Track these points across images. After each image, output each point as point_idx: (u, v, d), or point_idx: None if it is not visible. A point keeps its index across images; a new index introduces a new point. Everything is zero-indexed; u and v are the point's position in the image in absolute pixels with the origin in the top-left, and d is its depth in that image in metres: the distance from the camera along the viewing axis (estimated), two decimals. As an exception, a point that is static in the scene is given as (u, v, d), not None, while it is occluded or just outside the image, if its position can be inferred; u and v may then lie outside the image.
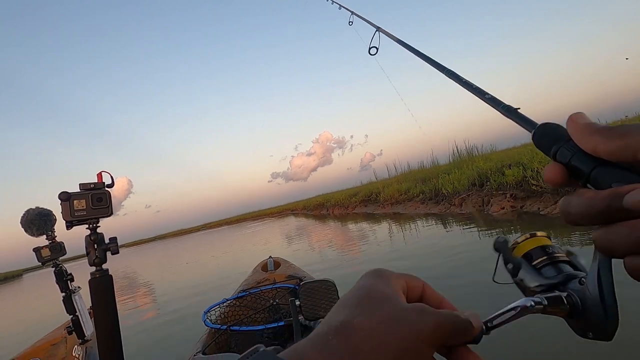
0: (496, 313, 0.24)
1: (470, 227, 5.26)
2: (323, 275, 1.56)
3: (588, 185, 0.22)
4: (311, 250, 6.64)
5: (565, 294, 0.25)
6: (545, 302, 0.24)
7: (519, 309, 0.24)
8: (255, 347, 0.21)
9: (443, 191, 7.95)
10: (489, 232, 4.70)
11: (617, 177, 0.20)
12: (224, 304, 2.09)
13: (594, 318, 0.23)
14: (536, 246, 0.28)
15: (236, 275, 4.59)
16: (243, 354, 0.20)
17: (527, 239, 0.29)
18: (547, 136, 0.25)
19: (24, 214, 1.24)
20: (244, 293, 2.20)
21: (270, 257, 3.16)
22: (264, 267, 3.00)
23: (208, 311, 1.92)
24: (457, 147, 10.69)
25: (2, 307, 11.27)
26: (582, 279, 0.24)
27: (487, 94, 0.39)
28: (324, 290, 1.38)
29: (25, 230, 1.24)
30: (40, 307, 8.46)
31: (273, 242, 10.33)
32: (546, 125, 0.26)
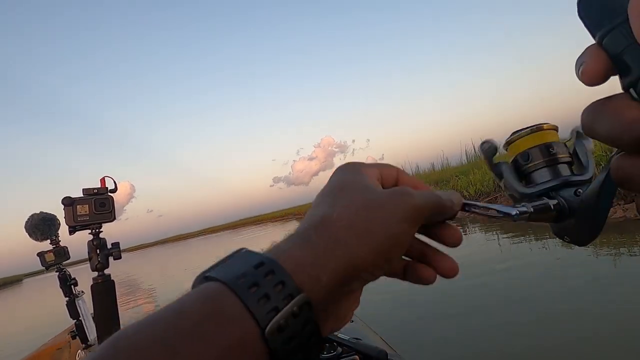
0: (479, 203, 0.24)
1: (508, 235, 4.55)
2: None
3: (632, 91, 0.15)
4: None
5: (555, 201, 0.23)
6: (531, 210, 0.23)
7: (502, 214, 0.23)
8: (238, 248, 0.21)
9: (465, 194, 7.17)
10: (528, 238, 4.14)
11: None
12: None
13: (577, 225, 0.22)
14: (538, 144, 0.25)
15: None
16: (226, 256, 0.20)
17: (528, 133, 0.25)
18: (603, 5, 0.16)
19: (29, 219, 1.25)
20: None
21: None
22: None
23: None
24: (474, 146, 9.78)
25: (4, 312, 11.32)
26: (579, 189, 0.23)
27: None
28: None
29: (30, 235, 1.25)
30: (41, 315, 8.49)
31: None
32: None
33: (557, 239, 0.25)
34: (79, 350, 2.30)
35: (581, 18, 0.17)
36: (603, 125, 0.15)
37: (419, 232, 0.25)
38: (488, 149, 0.26)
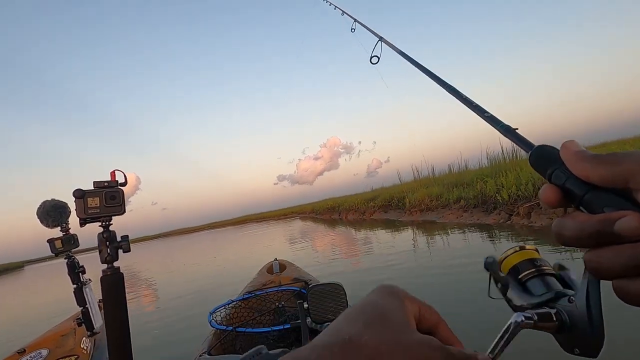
0: (495, 341, 0.25)
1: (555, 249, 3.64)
2: (328, 280, 1.56)
3: (581, 207, 0.23)
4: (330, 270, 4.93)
5: (554, 310, 0.25)
6: (536, 318, 0.25)
7: (512, 325, 0.24)
8: (257, 348, 0.22)
9: (498, 197, 6.49)
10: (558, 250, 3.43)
11: (608, 202, 0.22)
12: (229, 305, 2.11)
13: (581, 335, 0.24)
14: (524, 259, 0.29)
15: (242, 277, 4.60)
16: (245, 354, 0.21)
17: (515, 252, 0.30)
18: (543, 158, 0.26)
19: (40, 206, 1.27)
20: (250, 295, 2.21)
21: (275, 259, 3.17)
22: (269, 269, 3.01)
23: (213, 312, 1.94)
24: (502, 148, 9.07)
25: (9, 298, 11.59)
26: (572, 297, 0.25)
27: (487, 112, 0.40)
28: (332, 294, 1.38)
29: (41, 221, 1.28)
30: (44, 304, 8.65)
31: (283, 248, 9.17)
32: (542, 148, 0.27)
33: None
34: (84, 337, 2.35)
35: (534, 167, 0.27)
36: (566, 231, 0.23)
37: None
38: (492, 262, 0.29)
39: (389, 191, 13.49)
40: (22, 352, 2.24)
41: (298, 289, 2.19)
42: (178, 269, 9.27)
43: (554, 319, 0.25)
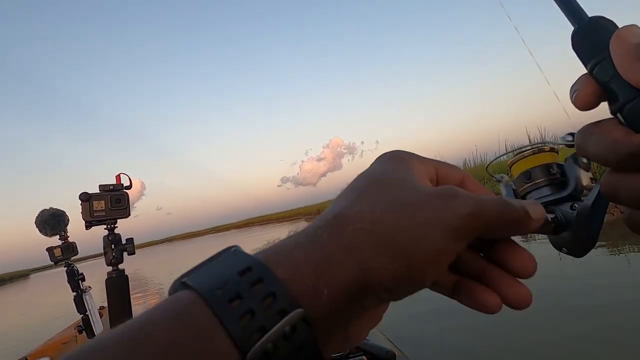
0: None
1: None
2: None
3: (619, 115, 0.18)
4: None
5: (552, 215, 0.25)
6: None
7: None
8: (230, 245, 0.17)
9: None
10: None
11: None
12: None
13: (573, 237, 0.24)
14: (539, 164, 0.27)
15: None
16: (215, 254, 0.17)
17: (532, 154, 0.27)
18: (590, 40, 0.19)
19: (39, 215, 1.29)
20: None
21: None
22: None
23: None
24: (529, 137, 8.56)
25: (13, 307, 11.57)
26: (575, 204, 0.25)
27: None
28: None
29: (40, 231, 1.29)
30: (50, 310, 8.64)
31: None
32: (594, 22, 0.19)
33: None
34: (85, 345, 2.35)
35: (574, 50, 0.20)
36: (593, 145, 0.17)
37: (473, 247, 0.20)
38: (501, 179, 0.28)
39: None
40: (23, 360, 2.25)
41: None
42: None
43: (550, 222, 0.25)
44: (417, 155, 0.21)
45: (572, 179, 0.26)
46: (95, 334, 1.57)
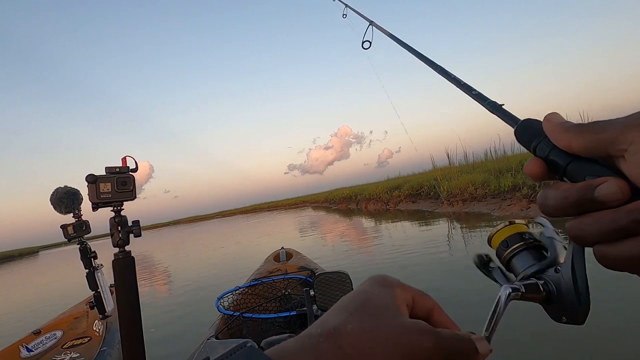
0: (488, 319, 0.26)
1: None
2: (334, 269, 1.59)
3: (565, 178, 0.24)
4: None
5: (542, 281, 0.26)
6: (523, 290, 0.26)
7: (501, 299, 0.25)
8: (244, 341, 0.23)
9: None
10: None
11: (590, 170, 0.22)
12: (237, 291, 2.18)
13: (568, 304, 0.25)
14: (513, 233, 0.30)
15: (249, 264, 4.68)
16: (230, 348, 0.21)
17: (505, 226, 0.31)
18: (528, 132, 0.27)
19: (54, 192, 1.32)
20: (256, 282, 2.27)
21: (282, 247, 3.23)
22: (276, 257, 3.08)
23: (221, 297, 2.01)
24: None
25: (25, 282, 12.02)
26: (558, 267, 0.26)
27: (475, 90, 0.41)
28: (338, 282, 1.41)
29: (54, 208, 1.32)
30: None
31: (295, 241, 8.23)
32: (526, 122, 0.28)
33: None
34: (96, 321, 2.47)
35: (519, 141, 0.27)
36: (550, 200, 0.23)
37: None
38: (479, 259, 0.31)
39: (417, 178, 12.08)
40: (37, 332, 2.37)
41: (304, 277, 2.24)
42: (186, 257, 9.50)
43: (541, 289, 0.26)
44: (399, 281, 0.26)
45: (545, 238, 0.29)
46: (107, 310, 1.64)
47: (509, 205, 6.41)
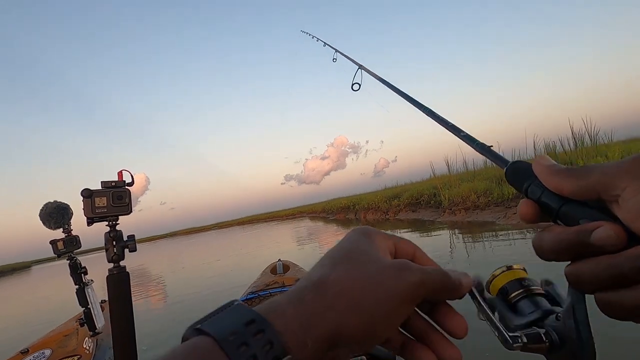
0: (485, 305, 0.26)
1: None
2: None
3: (558, 221, 0.24)
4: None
5: (543, 330, 0.25)
6: (525, 340, 0.25)
7: (500, 335, 0.25)
8: (232, 300, 0.22)
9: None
10: None
11: (583, 214, 0.22)
12: None
13: (572, 352, 0.24)
14: (512, 279, 0.29)
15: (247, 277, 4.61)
16: (219, 307, 0.21)
17: (502, 272, 0.30)
18: (518, 174, 0.27)
19: (43, 208, 1.31)
20: (253, 295, 2.24)
21: (279, 260, 3.20)
22: (273, 269, 3.04)
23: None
24: (573, 133, 7.82)
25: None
26: (559, 314, 0.25)
27: (462, 131, 0.41)
28: None
29: (44, 223, 1.31)
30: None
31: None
32: (517, 163, 0.27)
33: None
34: (87, 338, 2.40)
35: (510, 183, 0.27)
36: (545, 245, 0.23)
37: (422, 311, 0.26)
38: (477, 285, 0.29)
39: (415, 187, 11.86)
40: (25, 352, 2.29)
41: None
42: (182, 269, 9.35)
43: (544, 339, 0.25)
44: (381, 232, 0.27)
45: (555, 294, 0.28)
46: (97, 327, 1.60)
47: (514, 214, 6.08)
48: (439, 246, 5.25)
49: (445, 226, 7.11)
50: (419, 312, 0.26)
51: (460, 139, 0.40)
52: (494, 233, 5.44)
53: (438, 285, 0.23)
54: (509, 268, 0.30)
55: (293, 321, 0.20)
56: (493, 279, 0.30)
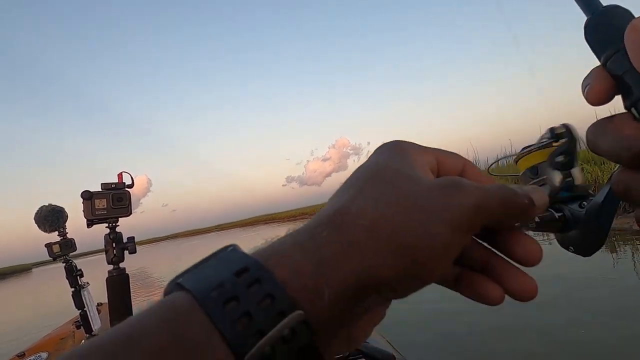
0: None
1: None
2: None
3: (633, 110, 0.17)
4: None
5: (560, 213, 0.25)
6: (537, 220, 0.24)
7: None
8: (227, 245, 0.17)
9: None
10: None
11: None
12: None
13: (581, 236, 0.24)
14: (545, 161, 0.26)
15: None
16: (211, 253, 0.16)
17: (537, 149, 0.27)
18: (605, 32, 0.18)
19: (38, 211, 1.31)
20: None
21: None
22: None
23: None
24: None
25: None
26: (584, 202, 0.24)
27: None
28: None
29: (39, 226, 1.32)
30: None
31: None
32: (610, 12, 0.18)
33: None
34: (83, 340, 2.39)
35: (587, 41, 0.19)
36: (605, 142, 0.16)
37: (480, 238, 0.19)
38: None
39: None
40: (21, 355, 2.29)
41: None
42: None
43: (557, 220, 0.24)
44: (417, 144, 0.20)
45: (577, 178, 0.25)
46: (93, 329, 1.60)
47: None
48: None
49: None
50: (477, 240, 0.19)
51: None
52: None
53: (501, 208, 0.17)
54: (548, 145, 0.26)
55: (302, 266, 0.15)
56: (527, 154, 0.27)
